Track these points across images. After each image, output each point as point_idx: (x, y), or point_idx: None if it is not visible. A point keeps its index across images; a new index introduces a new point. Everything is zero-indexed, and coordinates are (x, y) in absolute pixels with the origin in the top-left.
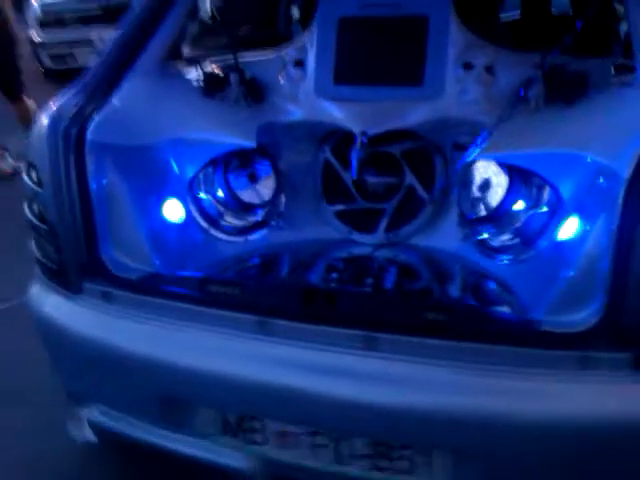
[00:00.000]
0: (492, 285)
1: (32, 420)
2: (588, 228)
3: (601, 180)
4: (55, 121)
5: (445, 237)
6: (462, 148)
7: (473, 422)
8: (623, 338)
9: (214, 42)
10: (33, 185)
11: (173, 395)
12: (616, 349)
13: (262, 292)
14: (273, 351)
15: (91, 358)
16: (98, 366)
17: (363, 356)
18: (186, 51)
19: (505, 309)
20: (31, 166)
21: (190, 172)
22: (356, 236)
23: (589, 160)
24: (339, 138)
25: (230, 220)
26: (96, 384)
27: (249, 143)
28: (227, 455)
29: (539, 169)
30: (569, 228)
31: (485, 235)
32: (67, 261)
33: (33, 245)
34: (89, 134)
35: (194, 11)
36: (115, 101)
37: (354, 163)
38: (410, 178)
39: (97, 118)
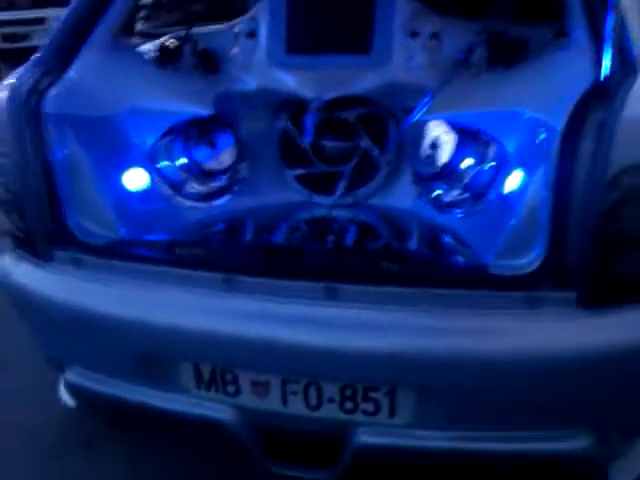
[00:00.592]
0: (446, 237)
1: (17, 386)
2: (530, 179)
3: (540, 135)
4: (14, 93)
5: (401, 196)
6: (412, 111)
7: (433, 362)
8: (565, 278)
9: (168, 18)
10: None
11: (148, 353)
12: (560, 289)
13: (227, 251)
14: (240, 305)
15: (66, 323)
16: (73, 330)
17: (326, 305)
18: (140, 26)
19: (458, 258)
20: None
21: (150, 141)
22: (316, 198)
23: (528, 116)
24: (295, 105)
25: (193, 187)
26: (73, 347)
27: (206, 111)
28: (206, 407)
29: (484, 127)
30: (514, 180)
31: (437, 192)
32: (34, 230)
33: (3, 215)
34: (47, 105)
35: None
36: (71, 73)
37: (309, 128)
38: (365, 142)
39: (54, 90)
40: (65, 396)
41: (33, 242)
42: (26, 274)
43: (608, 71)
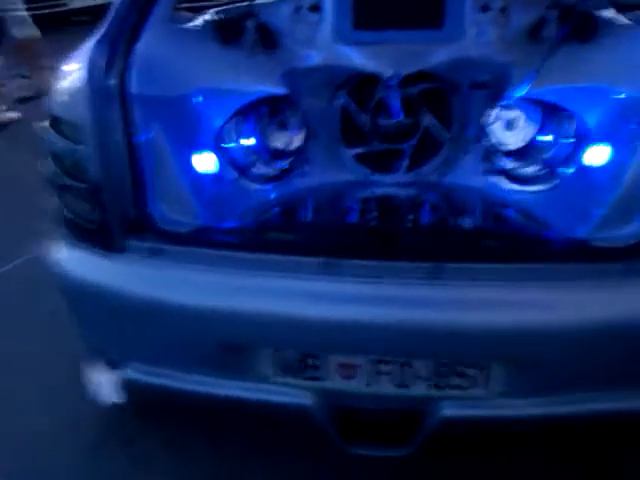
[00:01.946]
0: (518, 213)
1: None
2: (621, 154)
3: (628, 110)
4: (91, 73)
5: (467, 173)
6: (479, 87)
7: (529, 334)
8: None
9: None
10: (67, 142)
11: (233, 342)
12: None
13: (318, 234)
14: (336, 289)
15: (141, 317)
16: (148, 324)
17: (426, 285)
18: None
19: (544, 232)
20: (63, 122)
21: (220, 121)
22: (377, 177)
23: (612, 92)
24: (356, 82)
25: (258, 167)
26: (142, 343)
27: (279, 90)
28: (288, 394)
29: (564, 102)
30: (599, 155)
31: (514, 167)
32: (111, 219)
33: (60, 206)
34: (130, 86)
35: None
36: (141, 51)
37: (394, 105)
38: (428, 118)
39: (132, 69)
40: (112, 394)
41: (106, 233)
42: (95, 268)
43: None
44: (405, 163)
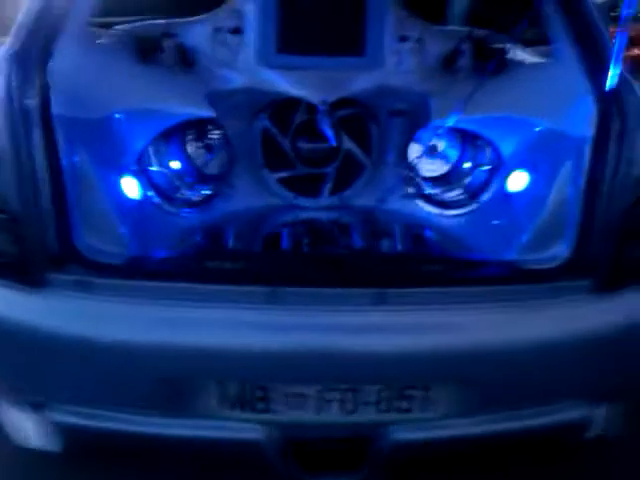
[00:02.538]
0: (443, 237)
1: None
2: (541, 182)
3: (553, 139)
4: (6, 93)
5: (389, 197)
6: (399, 114)
7: (467, 355)
8: (585, 268)
9: (141, 6)
10: None
11: (175, 378)
12: (578, 277)
13: (250, 263)
14: (281, 318)
15: (69, 355)
16: (78, 362)
17: (371, 311)
18: (112, 16)
19: (472, 255)
20: None
21: (144, 144)
22: (300, 201)
23: (535, 124)
24: (278, 105)
25: (183, 192)
26: (72, 383)
27: (204, 112)
28: (236, 429)
29: (486, 132)
30: (520, 182)
31: (435, 192)
32: (32, 252)
33: None
34: (49, 107)
35: None
36: (59, 70)
37: (321, 130)
38: (348, 143)
39: (50, 89)
40: (36, 438)
41: (25, 267)
42: (11, 304)
43: (614, 82)
44: (328, 187)
